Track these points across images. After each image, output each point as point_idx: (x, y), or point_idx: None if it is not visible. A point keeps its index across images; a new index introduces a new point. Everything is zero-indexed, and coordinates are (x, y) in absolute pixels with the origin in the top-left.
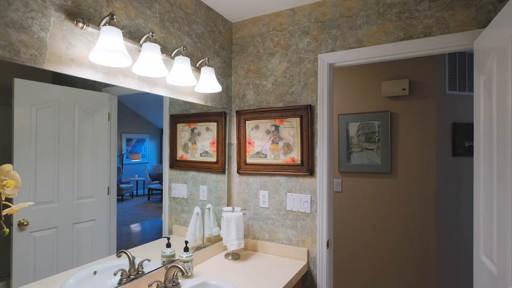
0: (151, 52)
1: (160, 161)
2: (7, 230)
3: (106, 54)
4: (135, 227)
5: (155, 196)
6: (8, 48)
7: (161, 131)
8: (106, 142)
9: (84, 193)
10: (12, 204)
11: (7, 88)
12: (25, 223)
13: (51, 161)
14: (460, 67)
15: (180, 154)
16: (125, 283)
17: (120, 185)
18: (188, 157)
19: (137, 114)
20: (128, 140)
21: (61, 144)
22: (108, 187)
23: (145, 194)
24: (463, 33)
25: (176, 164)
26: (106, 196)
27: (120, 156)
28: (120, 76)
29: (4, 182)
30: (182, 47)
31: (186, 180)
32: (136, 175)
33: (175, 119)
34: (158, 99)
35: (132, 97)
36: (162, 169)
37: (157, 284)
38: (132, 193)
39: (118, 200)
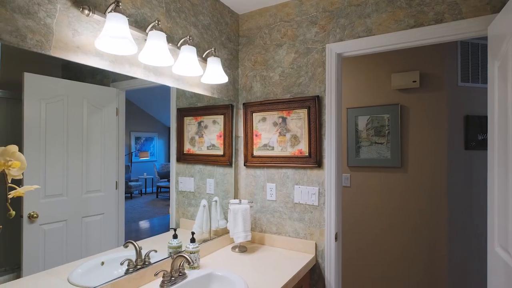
0: (157, 40)
1: (169, 159)
2: (13, 212)
3: (112, 40)
4: (144, 224)
5: (163, 194)
6: (15, 34)
7: (169, 129)
8: (114, 137)
9: (92, 187)
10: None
11: (17, 82)
12: (35, 215)
13: (60, 154)
14: (473, 59)
15: (187, 147)
16: (132, 272)
17: (129, 183)
18: (195, 150)
19: (145, 112)
20: (137, 139)
21: (70, 138)
22: (116, 182)
23: (153, 192)
24: (476, 18)
25: (183, 157)
26: (115, 190)
27: (129, 154)
28: (127, 65)
29: (10, 163)
30: (188, 37)
31: (193, 174)
32: (145, 173)
33: (182, 113)
34: (166, 94)
35: (140, 92)
36: (170, 167)
37: (164, 274)
38: (141, 191)
39: (127, 198)
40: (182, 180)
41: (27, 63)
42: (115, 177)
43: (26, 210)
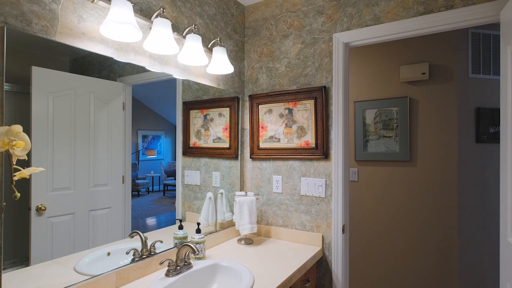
0: (162, 28)
1: (175, 157)
2: (18, 194)
3: (116, 26)
4: (150, 220)
5: (170, 192)
6: (20, 18)
7: (175, 127)
8: (121, 131)
9: (99, 181)
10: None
11: (24, 77)
12: (42, 208)
13: (67, 148)
14: (484, 50)
15: (193, 141)
16: (137, 261)
17: (136, 181)
18: (201, 143)
19: (152, 111)
20: (144, 137)
21: (77, 132)
22: (123, 176)
23: (160, 190)
24: (488, 3)
25: (189, 151)
26: (121, 184)
27: (136, 152)
28: (132, 53)
29: (14, 142)
30: (193, 26)
31: (199, 167)
32: (152, 171)
33: (188, 106)
34: (172, 88)
35: (147, 88)
36: (176, 161)
37: (169, 263)
38: (148, 188)
39: (134, 196)
40: (188, 173)
41: (35, 57)
42: (122, 171)
43: (34, 203)
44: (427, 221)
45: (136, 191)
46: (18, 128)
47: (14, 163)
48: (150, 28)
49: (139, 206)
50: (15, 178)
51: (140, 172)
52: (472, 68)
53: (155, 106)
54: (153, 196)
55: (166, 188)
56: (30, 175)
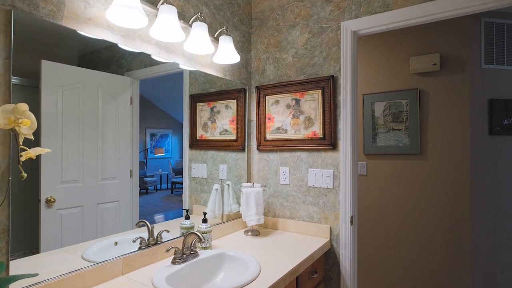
0: (168, 14)
1: (183, 152)
2: (25, 174)
3: (122, 10)
4: (158, 216)
5: (178, 189)
6: (27, 2)
7: (183, 126)
8: (129, 125)
9: (107, 175)
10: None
11: (34, 71)
12: (52, 200)
13: (76, 141)
14: (498, 39)
15: (200, 133)
16: (144, 249)
17: (145, 179)
18: (208, 136)
19: (160, 109)
20: (152, 135)
21: (86, 126)
22: (130, 170)
23: (168, 188)
24: None
25: (196, 143)
26: (129, 178)
27: (145, 150)
28: (138, 41)
29: (20, 120)
30: (200, 14)
31: (205, 160)
32: (160, 169)
33: (195, 99)
34: (179, 85)
35: (154, 83)
36: (183, 154)
37: (175, 251)
38: (156, 186)
39: (142, 193)
40: (195, 166)
41: (44, 51)
42: (130, 165)
43: (44, 195)
44: (437, 215)
45: (144, 189)
46: (24, 106)
47: (21, 143)
48: (156, 15)
49: (147, 204)
50: (22, 159)
51: (149, 170)
52: (485, 58)
53: (163, 104)
54: (161, 194)
55: (174, 186)
56: (39, 157)
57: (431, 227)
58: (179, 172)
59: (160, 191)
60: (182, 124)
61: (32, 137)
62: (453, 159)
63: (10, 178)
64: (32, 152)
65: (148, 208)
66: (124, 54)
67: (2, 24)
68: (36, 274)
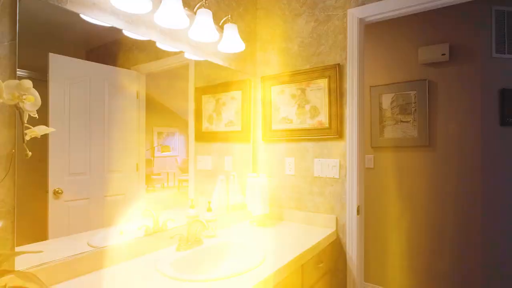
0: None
1: (188, 144)
2: (30, 153)
3: None
4: (165, 212)
5: (185, 188)
6: None
7: (188, 118)
8: (135, 120)
9: (114, 168)
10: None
11: (41, 65)
12: (59, 191)
13: (83, 134)
14: (509, 28)
15: (205, 126)
16: (149, 236)
17: (152, 176)
18: (213, 128)
19: (167, 108)
20: (159, 134)
21: (92, 119)
22: (137, 164)
23: (175, 185)
24: None
25: (202, 136)
26: (135, 172)
27: (152, 149)
28: (143, 27)
29: (24, 96)
30: (204, 1)
31: (211, 152)
32: (167, 168)
33: (200, 91)
34: (184, 80)
35: (160, 79)
36: (188, 146)
37: (180, 237)
38: (163, 184)
39: (149, 191)
40: (201, 158)
41: (52, 45)
42: (136, 158)
43: (52, 186)
44: (446, 207)
45: (151, 187)
46: (28, 83)
47: (26, 121)
48: (161, 1)
49: (153, 200)
50: (27, 137)
51: (155, 168)
52: (496, 47)
53: (170, 103)
54: (167, 191)
55: (181, 184)
56: (47, 149)
57: (440, 219)
58: (185, 170)
59: (167, 189)
60: (188, 123)
61: (36, 115)
62: (463, 150)
63: (13, 151)
64: (36, 130)
65: (154, 205)
66: (130, 48)
67: (7, 5)
68: (41, 251)
